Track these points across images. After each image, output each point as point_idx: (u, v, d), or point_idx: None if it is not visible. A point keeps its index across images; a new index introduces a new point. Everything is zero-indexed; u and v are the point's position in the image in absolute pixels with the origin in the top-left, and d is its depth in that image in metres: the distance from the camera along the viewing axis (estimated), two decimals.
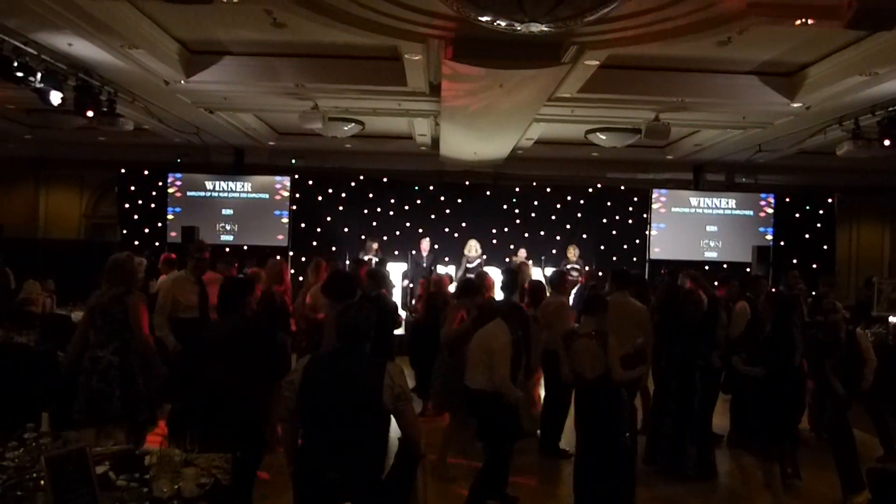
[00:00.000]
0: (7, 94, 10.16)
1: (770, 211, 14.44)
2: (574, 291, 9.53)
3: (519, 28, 5.98)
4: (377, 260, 11.35)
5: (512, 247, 13.33)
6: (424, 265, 12.15)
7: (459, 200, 14.74)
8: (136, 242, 13.99)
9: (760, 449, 5.22)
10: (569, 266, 11.94)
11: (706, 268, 13.72)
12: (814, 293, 9.10)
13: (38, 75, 7.65)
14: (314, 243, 14.21)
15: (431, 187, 14.83)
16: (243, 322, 4.67)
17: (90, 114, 8.88)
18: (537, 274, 12.47)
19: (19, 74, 7.33)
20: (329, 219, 14.55)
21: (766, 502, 5.24)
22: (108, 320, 5.01)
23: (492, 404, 5.23)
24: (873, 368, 6.33)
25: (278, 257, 8.35)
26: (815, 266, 14.00)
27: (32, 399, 5.86)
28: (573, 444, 6.68)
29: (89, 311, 5.13)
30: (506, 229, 14.52)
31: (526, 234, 14.46)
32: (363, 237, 14.10)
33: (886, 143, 8.96)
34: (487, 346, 5.28)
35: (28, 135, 13.99)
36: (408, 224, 14.56)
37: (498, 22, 5.93)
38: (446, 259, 13.51)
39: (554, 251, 14.23)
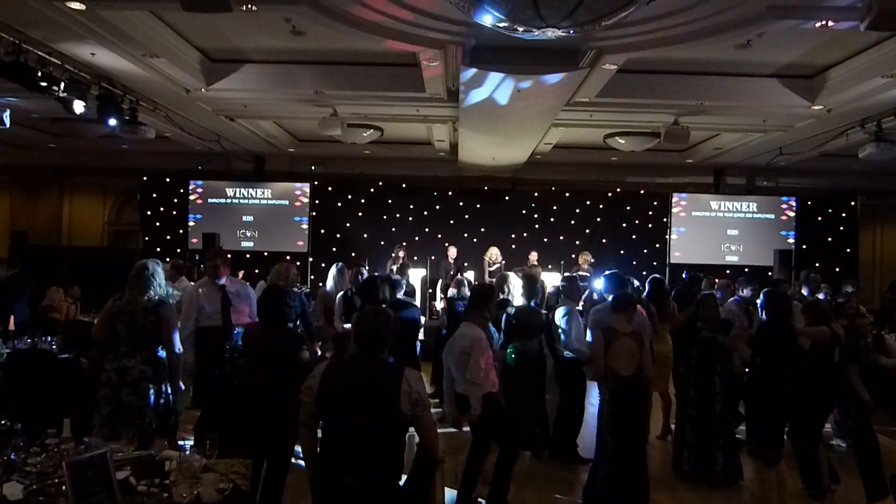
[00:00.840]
0: (31, 104, 10.32)
1: (792, 214, 14.31)
2: (584, 297, 9.45)
3: (536, 33, 5.98)
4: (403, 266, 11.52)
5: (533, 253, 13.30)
6: (452, 272, 12.17)
7: (478, 206, 14.77)
8: (158, 249, 14.14)
9: (764, 454, 5.18)
10: (580, 273, 11.89)
11: (727, 272, 13.60)
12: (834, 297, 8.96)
13: (62, 85, 7.76)
14: (334, 249, 14.29)
15: (450, 193, 14.86)
16: (287, 332, 4.68)
17: (113, 122, 9.00)
18: (555, 279, 12.46)
19: (43, 84, 7.44)
20: (348, 225, 14.64)
21: None
22: (135, 330, 4.87)
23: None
24: None
25: (291, 260, 8.38)
26: (837, 270, 13.84)
27: (55, 405, 5.91)
28: (587, 450, 6.70)
29: (109, 318, 4.93)
30: (524, 234, 14.52)
31: (545, 239, 14.45)
32: (382, 243, 14.25)
33: None
34: (462, 347, 5.14)
35: (52, 143, 14.23)
36: (427, 230, 14.60)
37: (515, 27, 5.93)
38: (465, 265, 13.51)
39: (573, 256, 14.17)
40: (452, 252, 12.63)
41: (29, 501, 2.87)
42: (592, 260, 12.31)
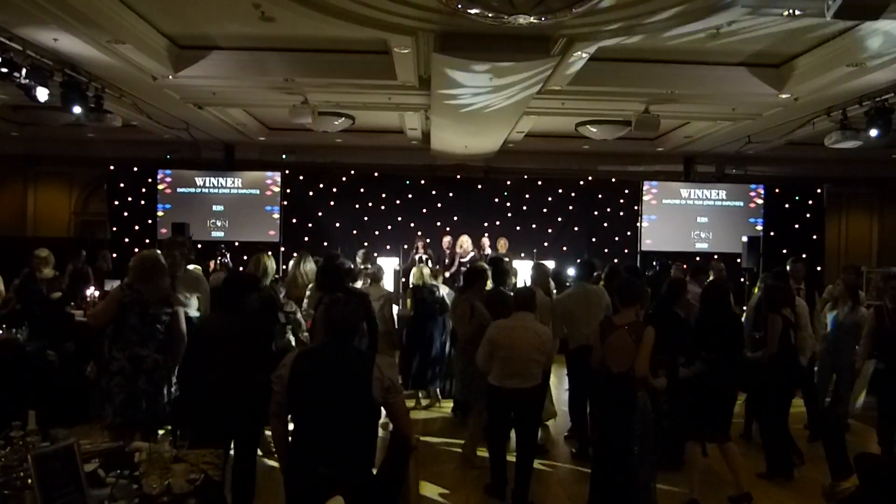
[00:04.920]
0: None
1: (760, 202, 14.51)
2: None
3: (507, 20, 5.98)
4: (424, 255, 11.82)
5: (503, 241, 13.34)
6: (447, 260, 12.22)
7: (451, 194, 14.77)
8: (126, 240, 13.95)
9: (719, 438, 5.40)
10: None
11: (697, 259, 13.77)
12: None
13: (24, 71, 7.57)
14: (305, 238, 14.19)
15: (422, 181, 14.84)
16: (245, 319, 4.65)
17: (77, 110, 8.81)
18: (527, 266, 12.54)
19: (4, 70, 7.25)
20: (320, 214, 14.55)
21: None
22: (147, 319, 4.89)
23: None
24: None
25: (270, 253, 8.34)
26: (804, 256, 14.04)
27: (21, 397, 5.83)
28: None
29: (120, 307, 4.86)
30: (497, 223, 14.54)
31: (517, 228, 14.49)
32: (355, 231, 14.27)
33: (873, 133, 9.00)
34: (540, 347, 5.26)
35: (15, 132, 13.91)
36: (399, 218, 14.58)
37: (486, 14, 5.93)
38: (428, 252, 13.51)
39: (546, 244, 14.30)
40: (447, 240, 12.67)
41: None
42: (507, 244, 12.39)
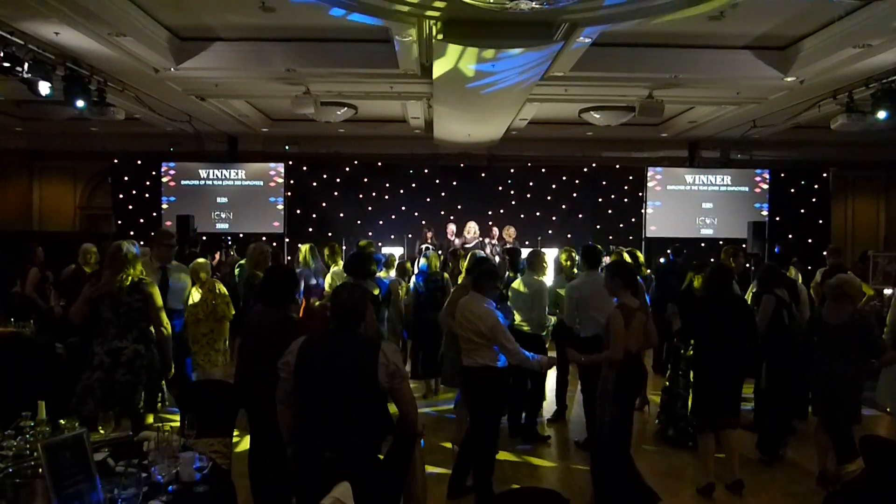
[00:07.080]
0: None
1: (765, 186, 14.45)
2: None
3: (509, 6, 5.95)
4: (430, 245, 11.75)
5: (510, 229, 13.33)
6: (452, 247, 12.23)
7: (454, 183, 14.76)
8: (132, 233, 13.96)
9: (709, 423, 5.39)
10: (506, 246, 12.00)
11: (702, 244, 13.79)
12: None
13: (26, 65, 7.58)
14: (310, 229, 14.21)
15: (426, 170, 14.82)
16: (286, 317, 4.51)
17: (80, 104, 8.82)
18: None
19: (6, 65, 7.28)
20: (324, 204, 14.58)
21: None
22: (121, 310, 4.81)
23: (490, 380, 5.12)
24: None
25: (263, 239, 8.40)
26: (810, 241, 14.05)
27: (31, 389, 5.85)
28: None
29: (89, 302, 4.85)
30: (501, 210, 14.54)
31: (522, 215, 14.49)
32: (359, 221, 14.30)
33: (880, 115, 8.94)
34: (475, 328, 4.99)
35: (19, 127, 13.95)
36: (403, 208, 14.60)
37: (489, 0, 5.90)
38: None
39: (550, 231, 14.28)
40: (452, 228, 12.68)
41: (5, 484, 2.83)
42: (515, 232, 12.35)
